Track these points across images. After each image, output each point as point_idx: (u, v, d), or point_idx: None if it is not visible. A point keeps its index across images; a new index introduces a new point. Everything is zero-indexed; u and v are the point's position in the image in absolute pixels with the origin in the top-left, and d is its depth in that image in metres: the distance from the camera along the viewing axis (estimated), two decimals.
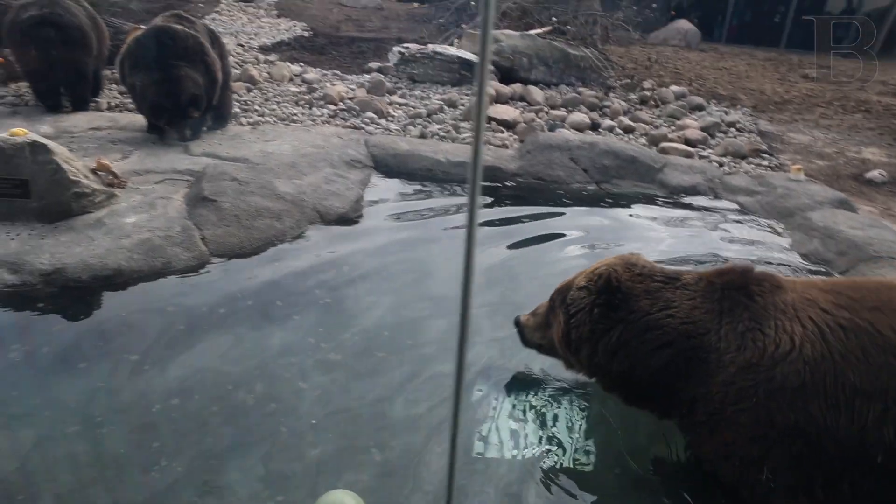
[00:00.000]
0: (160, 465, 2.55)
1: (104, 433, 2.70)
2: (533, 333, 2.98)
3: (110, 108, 7.30)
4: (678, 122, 8.03)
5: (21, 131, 4.26)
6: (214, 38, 6.46)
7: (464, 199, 5.56)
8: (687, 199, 5.96)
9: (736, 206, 5.83)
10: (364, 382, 3.13)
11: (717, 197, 6.05)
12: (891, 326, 2.17)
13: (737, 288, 2.42)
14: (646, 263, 2.66)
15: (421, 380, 3.16)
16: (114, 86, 7.89)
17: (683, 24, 14.43)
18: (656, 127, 7.87)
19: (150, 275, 3.91)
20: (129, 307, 3.63)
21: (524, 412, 3.00)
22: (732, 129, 8.09)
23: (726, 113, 8.73)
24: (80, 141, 5.83)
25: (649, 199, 5.91)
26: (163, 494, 2.43)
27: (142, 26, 9.36)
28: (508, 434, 2.86)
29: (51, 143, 4.33)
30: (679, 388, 2.43)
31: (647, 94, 9.14)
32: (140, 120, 6.49)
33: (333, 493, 2.33)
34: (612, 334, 2.53)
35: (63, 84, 6.72)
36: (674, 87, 9.42)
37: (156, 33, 5.83)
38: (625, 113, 8.36)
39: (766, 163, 7.07)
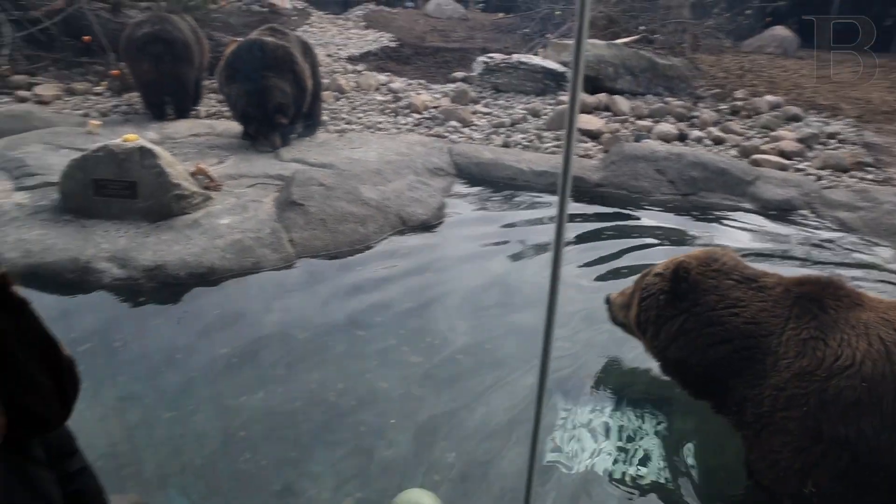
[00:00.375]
0: (246, 455, 2.67)
1: (197, 420, 2.85)
2: (618, 311, 3.08)
3: (208, 116, 7.72)
4: (772, 134, 7.67)
5: (133, 137, 4.58)
6: (307, 50, 6.73)
7: (546, 209, 5.53)
8: (780, 214, 5.69)
9: (835, 223, 5.51)
10: (443, 387, 3.16)
11: (814, 212, 5.74)
12: None
13: (811, 298, 2.41)
14: (728, 260, 2.67)
15: (499, 388, 3.16)
16: (212, 95, 8.34)
17: (780, 31, 13.80)
18: (748, 138, 7.56)
19: (240, 273, 4.11)
20: (221, 304, 3.82)
21: (598, 423, 2.95)
22: (833, 141, 7.65)
23: (826, 124, 8.28)
24: (180, 146, 6.19)
25: (739, 213, 5.68)
26: (249, 481, 2.54)
27: (239, 39, 9.88)
28: (580, 444, 2.82)
29: (156, 148, 4.63)
30: (732, 385, 2.47)
31: (739, 104, 8.79)
32: (235, 127, 6.83)
33: (411, 492, 2.37)
34: (675, 322, 2.61)
35: (168, 94, 7.18)
36: (768, 97, 9.02)
37: (248, 46, 6.15)
38: (715, 124, 8.08)
39: (870, 176, 6.64)
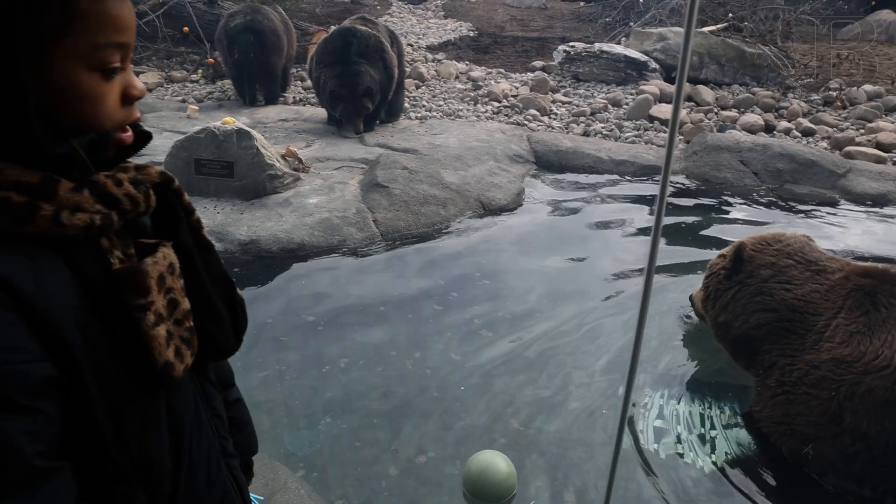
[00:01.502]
0: (326, 419, 2.85)
1: (285, 384, 3.06)
2: (699, 305, 3.20)
3: (295, 103, 8.05)
4: (869, 125, 7.30)
5: (231, 120, 4.89)
6: (394, 39, 6.92)
7: (624, 198, 5.51)
8: (875, 209, 5.45)
9: None
10: (514, 366, 3.26)
11: None
12: None
13: (866, 292, 2.49)
14: (795, 243, 2.84)
15: (574, 369, 3.23)
16: (298, 82, 8.68)
17: (886, 16, 12.94)
18: (841, 130, 7.23)
19: (327, 250, 4.33)
20: (311, 277, 4.04)
21: (678, 409, 2.98)
22: None
23: None
24: (271, 130, 6.51)
25: (829, 206, 5.48)
26: (328, 444, 2.72)
27: (324, 29, 10.21)
28: (654, 432, 2.86)
29: (253, 131, 4.92)
30: (765, 349, 2.66)
31: (833, 94, 8.40)
32: (321, 113, 7.10)
33: (485, 453, 2.48)
34: (729, 293, 2.85)
35: (259, 81, 7.53)
36: (866, 87, 8.57)
37: (341, 33, 6.38)
38: (805, 115, 7.76)
39: None
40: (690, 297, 3.34)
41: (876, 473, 2.30)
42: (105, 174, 0.91)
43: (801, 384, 2.46)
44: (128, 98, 0.92)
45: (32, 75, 0.82)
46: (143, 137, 0.98)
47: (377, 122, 6.79)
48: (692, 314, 3.44)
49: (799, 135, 7.13)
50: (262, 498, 2.26)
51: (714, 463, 2.65)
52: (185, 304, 0.97)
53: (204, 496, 1.07)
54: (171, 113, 7.00)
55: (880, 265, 2.68)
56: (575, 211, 5.16)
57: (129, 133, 0.95)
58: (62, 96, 0.85)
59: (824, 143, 6.88)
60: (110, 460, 0.89)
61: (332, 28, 11.19)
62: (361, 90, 6.17)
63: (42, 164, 0.84)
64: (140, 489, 0.94)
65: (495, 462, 2.44)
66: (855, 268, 2.64)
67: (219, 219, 4.54)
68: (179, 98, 7.99)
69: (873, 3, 12.77)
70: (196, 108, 7.07)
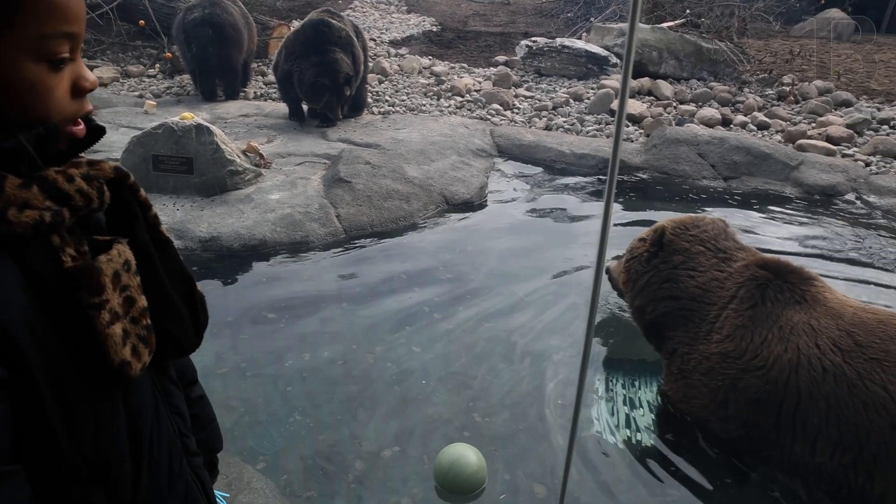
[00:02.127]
0: (295, 416, 2.83)
1: (247, 381, 3.04)
2: (615, 276, 3.31)
3: (256, 98, 7.94)
4: (820, 119, 7.53)
5: (189, 115, 4.80)
6: (358, 33, 6.89)
7: (586, 191, 5.59)
8: (824, 200, 5.63)
9: (884, 209, 5.44)
10: (474, 355, 3.29)
11: (860, 198, 5.67)
12: (883, 383, 2.13)
13: (759, 283, 2.55)
14: (712, 228, 2.86)
15: (530, 359, 3.27)
16: (259, 77, 8.57)
17: (834, 14, 13.38)
18: (794, 124, 7.44)
19: (290, 246, 4.30)
20: (273, 273, 4.01)
21: (629, 398, 3.05)
22: (885, 127, 7.48)
23: (879, 109, 8.09)
24: (231, 126, 6.42)
25: (781, 198, 5.65)
26: (299, 439, 2.71)
27: (285, 23, 10.09)
28: (608, 417, 2.92)
29: (212, 126, 4.84)
30: (669, 336, 2.80)
31: (787, 89, 8.63)
32: (282, 108, 7.02)
33: (456, 446, 2.50)
34: (645, 276, 2.93)
35: (219, 76, 7.41)
36: (817, 82, 8.83)
37: (313, 24, 6.32)
38: (760, 109, 7.97)
39: None
40: (607, 269, 3.39)
41: (755, 456, 2.49)
42: (56, 169, 0.89)
43: (696, 372, 2.63)
44: (78, 90, 0.90)
45: None
46: (97, 132, 0.96)
47: (340, 116, 6.75)
48: None
49: (754, 128, 7.32)
50: (227, 495, 2.25)
51: (657, 441, 2.72)
52: (142, 301, 0.96)
53: (166, 495, 1.06)
54: (128, 108, 6.85)
55: (782, 257, 2.72)
56: (537, 204, 5.21)
57: (82, 126, 0.93)
58: (8, 88, 0.83)
59: (778, 137, 7.08)
60: (64, 462, 0.88)
61: (294, 22, 11.08)
62: (343, 78, 6.14)
63: None
64: (98, 490, 0.93)
65: (465, 455, 2.46)
66: (757, 258, 2.70)
67: (178, 216, 4.47)
68: (136, 93, 7.81)
69: (822, 2, 13.15)
70: (153, 103, 6.93)
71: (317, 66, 6.08)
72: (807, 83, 8.83)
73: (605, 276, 3.38)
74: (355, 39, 6.50)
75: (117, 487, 0.96)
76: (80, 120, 0.93)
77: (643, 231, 3.12)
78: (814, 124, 7.43)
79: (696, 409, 2.65)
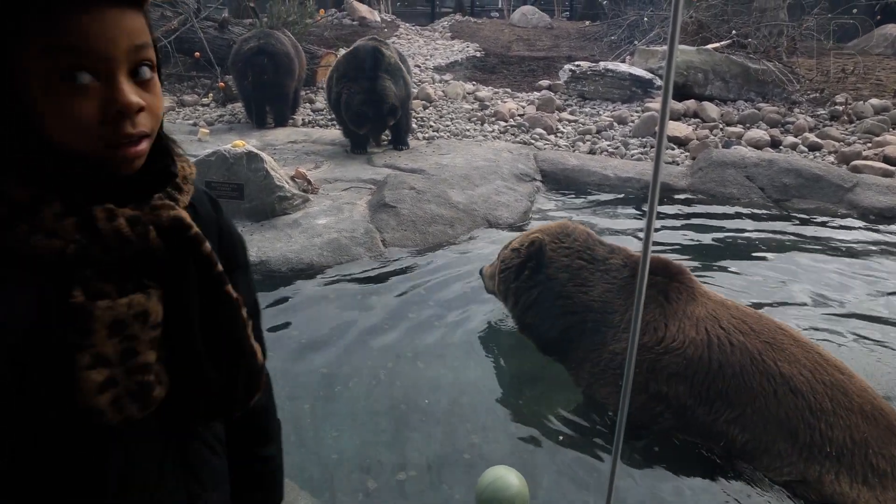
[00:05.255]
0: (332, 435, 2.86)
1: (292, 404, 3.08)
2: (488, 281, 3.49)
3: (304, 124, 8.17)
4: (876, 139, 7.31)
5: (241, 143, 4.97)
6: (402, 59, 7.04)
7: (629, 215, 5.55)
8: (881, 222, 5.45)
9: None
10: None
11: None
12: (774, 358, 2.61)
13: (659, 289, 2.85)
14: (579, 236, 3.10)
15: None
16: (307, 104, 8.81)
17: (892, 30, 12.97)
18: (848, 144, 7.24)
19: (336, 270, 4.38)
20: (319, 295, 4.09)
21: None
22: None
23: None
24: (280, 153, 6.61)
25: (835, 221, 5.48)
26: (333, 465, 2.73)
27: (332, 51, 10.37)
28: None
29: (262, 153, 5.00)
30: (574, 347, 2.99)
31: (840, 108, 8.42)
32: (329, 135, 7.21)
33: (497, 468, 2.49)
34: (532, 293, 3.09)
35: (270, 103, 7.66)
36: (873, 101, 8.59)
37: (365, 49, 6.48)
38: (811, 129, 7.78)
39: None
40: (480, 271, 3.61)
41: (678, 423, 2.75)
42: (107, 207, 0.88)
43: (610, 369, 2.87)
44: (114, 113, 0.86)
45: (22, 90, 0.82)
46: (166, 172, 0.96)
47: (385, 142, 6.88)
48: None
49: (805, 149, 7.15)
50: None
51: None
52: (149, 357, 0.91)
53: None
54: (183, 136, 7.12)
55: (657, 259, 2.99)
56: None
57: (140, 147, 0.90)
58: (39, 116, 0.84)
59: (831, 158, 6.90)
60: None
61: (341, 50, 11.39)
62: (386, 109, 6.25)
63: (44, 181, 0.85)
64: None
65: (506, 477, 2.44)
66: (636, 265, 2.95)
67: None
68: (190, 121, 8.13)
69: (878, 17, 12.80)
70: (207, 131, 7.19)
71: (364, 92, 6.19)
72: (862, 102, 8.59)
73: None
74: (403, 67, 6.64)
75: None
76: (136, 140, 0.89)
77: (515, 240, 3.31)
78: (869, 144, 7.21)
79: (615, 403, 2.85)
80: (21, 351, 0.84)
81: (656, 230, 5.10)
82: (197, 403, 0.99)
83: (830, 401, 2.50)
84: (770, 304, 4.00)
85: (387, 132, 6.90)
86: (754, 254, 4.80)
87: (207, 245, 0.98)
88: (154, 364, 0.92)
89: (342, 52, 11.37)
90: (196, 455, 1.07)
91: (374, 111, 6.22)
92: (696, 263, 4.56)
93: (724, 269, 4.51)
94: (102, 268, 0.89)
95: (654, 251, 4.55)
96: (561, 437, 2.87)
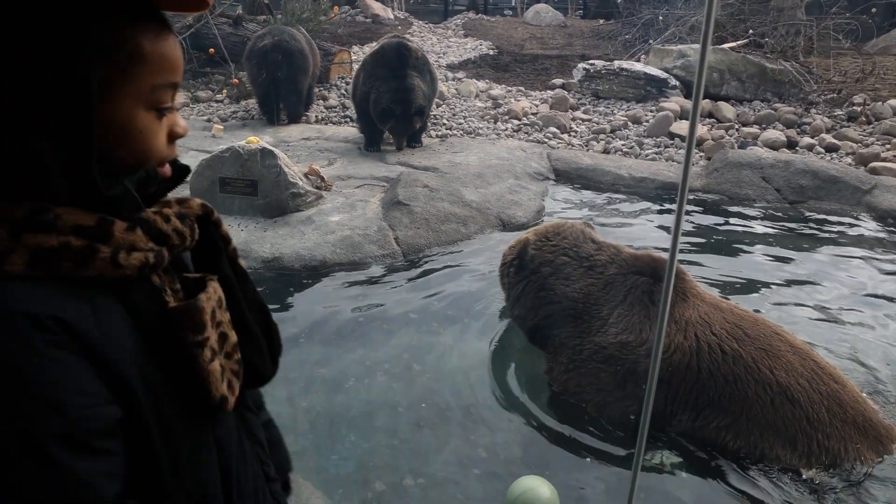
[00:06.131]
0: (347, 436, 2.85)
1: (306, 403, 3.08)
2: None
3: (318, 121, 8.17)
4: (895, 140, 7.23)
5: (255, 139, 4.98)
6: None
7: (644, 215, 5.51)
8: None
9: None
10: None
11: None
12: (770, 367, 2.60)
13: (644, 290, 2.90)
14: (568, 235, 3.19)
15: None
16: (321, 101, 8.82)
17: None
18: (866, 146, 7.15)
19: (349, 267, 4.38)
20: (332, 293, 4.09)
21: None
22: None
23: None
24: (294, 149, 6.61)
25: (853, 223, 5.42)
26: (348, 466, 2.72)
27: (346, 49, 10.37)
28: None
29: (276, 150, 5.01)
30: (554, 333, 3.07)
31: (858, 109, 8.32)
32: (343, 132, 7.21)
33: (528, 479, 2.44)
34: (518, 287, 3.23)
35: (284, 100, 7.66)
36: (892, 101, 8.47)
37: (393, 46, 6.45)
38: (828, 130, 7.69)
39: None
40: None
41: (654, 424, 2.69)
42: (153, 211, 0.93)
43: (592, 361, 2.90)
44: (173, 136, 0.95)
45: (98, 117, 0.84)
46: (182, 171, 1.00)
47: (423, 134, 6.90)
48: None
49: (822, 151, 7.07)
50: None
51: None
52: (233, 336, 0.99)
53: None
54: (197, 132, 7.15)
55: (646, 258, 3.04)
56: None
57: (167, 167, 0.97)
58: (123, 135, 0.88)
59: (848, 159, 6.82)
60: (169, 497, 0.90)
61: (355, 48, 11.39)
62: (414, 109, 6.21)
63: (95, 204, 0.86)
64: None
65: (538, 488, 2.39)
66: (625, 263, 3.03)
67: (242, 236, 4.62)
68: (205, 118, 8.15)
69: None
70: (221, 127, 7.21)
71: (394, 91, 6.14)
72: (880, 103, 8.48)
73: None
74: (429, 61, 6.63)
75: None
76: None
77: (513, 239, 3.48)
78: (888, 146, 7.12)
79: (592, 394, 2.91)
80: (148, 367, 0.88)
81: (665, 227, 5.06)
82: (255, 369, 1.05)
83: (827, 412, 2.54)
84: (777, 304, 3.97)
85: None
86: (766, 254, 4.75)
87: (225, 226, 1.06)
88: (237, 343, 1.00)
89: (356, 48, 11.39)
90: (253, 423, 1.15)
91: (402, 109, 6.17)
92: (704, 262, 4.52)
93: (733, 269, 4.46)
94: (163, 270, 0.94)
95: (656, 250, 4.53)
96: (579, 441, 2.85)
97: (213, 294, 0.95)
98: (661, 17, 12.35)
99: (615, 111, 8.60)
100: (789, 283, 4.31)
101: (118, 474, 0.83)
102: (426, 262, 4.50)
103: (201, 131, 7.23)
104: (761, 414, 2.57)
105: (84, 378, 0.80)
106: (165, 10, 0.92)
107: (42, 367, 0.76)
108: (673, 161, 6.78)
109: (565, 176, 6.21)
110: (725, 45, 9.48)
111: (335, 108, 8.66)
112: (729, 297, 4.05)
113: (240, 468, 1.05)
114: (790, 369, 2.60)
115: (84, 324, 0.81)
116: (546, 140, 7.38)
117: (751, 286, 4.24)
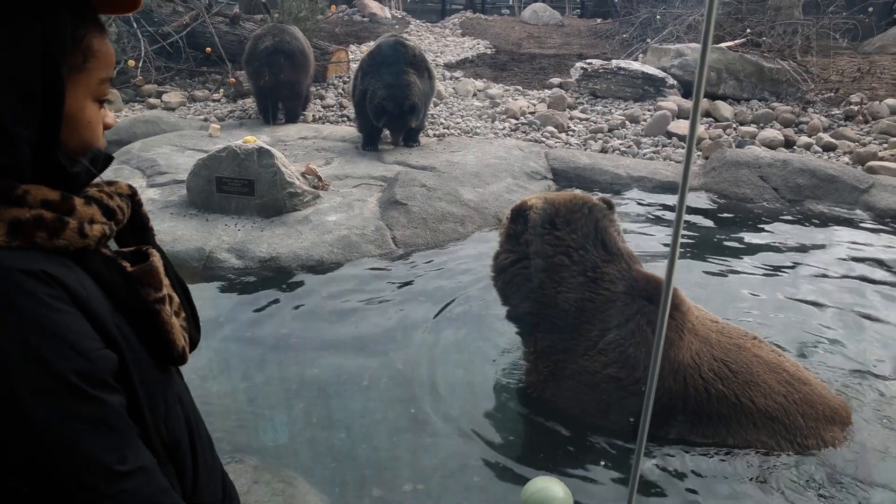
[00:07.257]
0: (342, 437, 2.84)
1: (303, 402, 3.07)
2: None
3: (315, 121, 8.15)
4: (892, 140, 7.22)
5: (252, 139, 4.96)
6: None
7: (641, 214, 5.50)
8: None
9: None
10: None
11: None
12: (750, 396, 2.69)
13: (649, 321, 2.66)
14: (579, 228, 2.74)
15: None
16: (318, 101, 8.80)
17: None
18: (864, 145, 7.15)
19: (346, 267, 4.36)
20: (329, 293, 4.07)
21: None
22: None
23: None
24: (291, 149, 6.59)
25: (850, 223, 5.42)
26: (343, 467, 2.71)
27: (343, 48, 10.35)
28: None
29: (273, 150, 4.99)
30: (538, 336, 2.83)
31: (855, 108, 8.32)
32: (340, 131, 7.18)
33: (541, 479, 2.42)
34: (507, 257, 2.86)
35: (283, 100, 7.62)
36: (889, 101, 8.48)
37: (389, 44, 6.46)
38: (825, 130, 7.69)
39: None
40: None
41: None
42: (97, 189, 1.02)
43: (573, 380, 2.77)
44: (106, 126, 1.06)
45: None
46: (108, 160, 1.10)
47: (420, 133, 6.88)
48: None
49: (820, 150, 7.08)
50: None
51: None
52: (177, 298, 1.09)
53: (213, 471, 1.18)
54: (194, 132, 7.13)
55: (658, 283, 2.69)
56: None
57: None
58: (77, 123, 0.98)
59: (846, 159, 6.82)
60: (150, 444, 0.99)
61: (352, 47, 11.36)
62: (407, 106, 6.19)
63: (56, 183, 0.94)
64: (170, 469, 1.04)
65: (551, 488, 2.37)
66: (635, 283, 2.71)
67: (239, 236, 4.60)
68: (201, 117, 8.13)
69: (895, 16, 12.65)
70: (218, 126, 7.19)
71: (388, 87, 6.14)
72: (877, 102, 8.49)
73: None
74: (427, 59, 6.61)
75: (184, 466, 1.08)
76: None
77: (519, 200, 3.02)
78: (885, 145, 7.12)
79: (571, 406, 2.83)
80: (121, 325, 0.97)
81: (663, 226, 5.05)
82: (190, 335, 1.13)
83: (802, 416, 2.72)
84: (777, 304, 3.97)
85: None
86: (764, 253, 4.74)
87: (145, 206, 1.17)
88: (180, 303, 1.10)
89: (353, 48, 11.36)
90: (185, 386, 1.22)
91: (394, 105, 6.15)
92: (701, 261, 4.52)
93: (730, 268, 4.46)
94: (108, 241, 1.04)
95: (656, 251, 4.52)
96: (579, 441, 2.84)
97: (157, 260, 1.05)
98: (658, 16, 12.36)
99: (613, 110, 8.59)
100: (787, 282, 4.31)
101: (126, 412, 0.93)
102: (424, 262, 4.49)
103: (198, 131, 7.20)
104: (744, 435, 2.72)
105: (84, 325, 0.89)
106: (100, 13, 1.02)
107: (50, 314, 0.84)
108: (671, 160, 6.77)
109: (563, 175, 6.20)
110: (723, 45, 9.47)
111: (332, 107, 8.64)
112: (725, 297, 4.05)
113: (198, 421, 1.17)
114: (768, 392, 2.72)
115: (71, 282, 0.89)
116: (544, 139, 7.37)
117: (747, 285, 4.24)
